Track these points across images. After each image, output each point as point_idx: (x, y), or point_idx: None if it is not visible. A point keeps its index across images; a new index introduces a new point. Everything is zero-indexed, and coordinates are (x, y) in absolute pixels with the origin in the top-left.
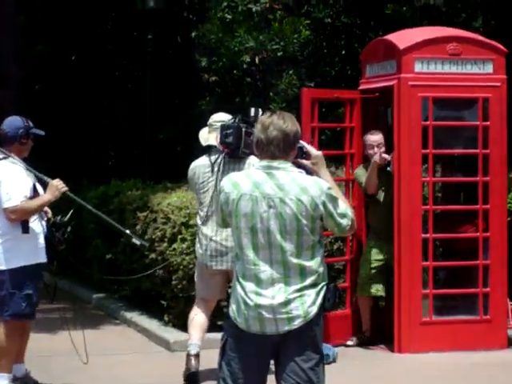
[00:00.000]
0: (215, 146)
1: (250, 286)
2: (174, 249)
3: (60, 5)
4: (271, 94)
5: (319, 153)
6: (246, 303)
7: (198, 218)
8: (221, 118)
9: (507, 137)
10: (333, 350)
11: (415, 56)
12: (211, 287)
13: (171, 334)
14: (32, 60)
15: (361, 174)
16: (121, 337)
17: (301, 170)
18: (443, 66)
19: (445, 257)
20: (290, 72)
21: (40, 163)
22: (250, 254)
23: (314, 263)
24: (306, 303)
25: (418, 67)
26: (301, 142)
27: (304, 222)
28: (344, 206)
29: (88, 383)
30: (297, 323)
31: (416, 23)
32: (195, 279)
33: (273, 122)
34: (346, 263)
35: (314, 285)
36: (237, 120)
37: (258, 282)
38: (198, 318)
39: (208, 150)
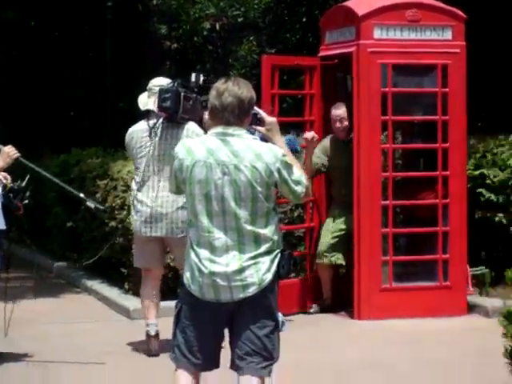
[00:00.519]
0: (154, 111)
1: (204, 253)
2: None
3: None
4: (230, 60)
5: (273, 119)
6: (200, 270)
7: (133, 183)
8: (160, 82)
9: (466, 103)
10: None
11: (374, 22)
12: (148, 255)
13: (131, 302)
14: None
15: (316, 150)
16: (81, 305)
17: (255, 137)
18: (402, 33)
19: (405, 224)
20: (251, 38)
21: None
22: (204, 220)
23: (269, 230)
24: (261, 270)
25: (377, 34)
26: (255, 108)
27: (259, 188)
28: (298, 173)
29: (47, 352)
30: (251, 290)
31: None
32: (134, 248)
33: (228, 89)
34: (306, 231)
35: (268, 252)
36: (175, 84)
37: (213, 249)
38: (146, 294)
39: (147, 114)
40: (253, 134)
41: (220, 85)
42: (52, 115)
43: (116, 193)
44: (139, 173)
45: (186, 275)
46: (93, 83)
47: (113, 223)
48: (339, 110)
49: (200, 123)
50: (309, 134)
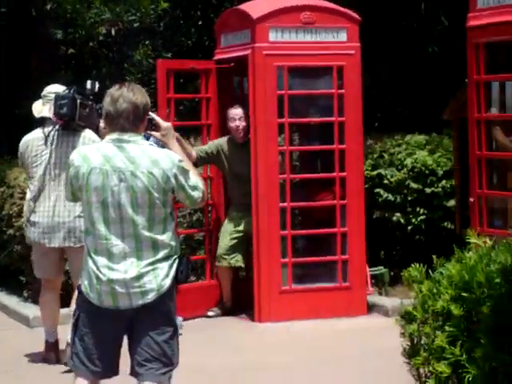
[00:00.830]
0: (49, 118)
1: (102, 260)
2: None
3: None
4: (126, 65)
5: (168, 124)
6: (98, 278)
7: (27, 193)
8: (55, 89)
9: (362, 104)
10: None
11: (269, 25)
12: (47, 265)
13: (30, 310)
14: None
15: (210, 142)
16: None
17: (151, 143)
18: (297, 35)
19: (304, 225)
20: (147, 43)
21: None
22: (102, 228)
23: (166, 236)
24: (159, 276)
25: (272, 36)
26: (150, 114)
27: (156, 194)
28: (195, 179)
29: None
30: (150, 297)
31: None
32: (32, 260)
33: (122, 95)
34: (206, 234)
35: (166, 258)
36: (72, 91)
37: (110, 256)
38: (46, 303)
39: (42, 122)
40: (148, 139)
41: (114, 91)
42: None
43: (13, 200)
44: (34, 182)
45: (84, 283)
46: None
47: (10, 231)
48: (237, 110)
49: (96, 131)
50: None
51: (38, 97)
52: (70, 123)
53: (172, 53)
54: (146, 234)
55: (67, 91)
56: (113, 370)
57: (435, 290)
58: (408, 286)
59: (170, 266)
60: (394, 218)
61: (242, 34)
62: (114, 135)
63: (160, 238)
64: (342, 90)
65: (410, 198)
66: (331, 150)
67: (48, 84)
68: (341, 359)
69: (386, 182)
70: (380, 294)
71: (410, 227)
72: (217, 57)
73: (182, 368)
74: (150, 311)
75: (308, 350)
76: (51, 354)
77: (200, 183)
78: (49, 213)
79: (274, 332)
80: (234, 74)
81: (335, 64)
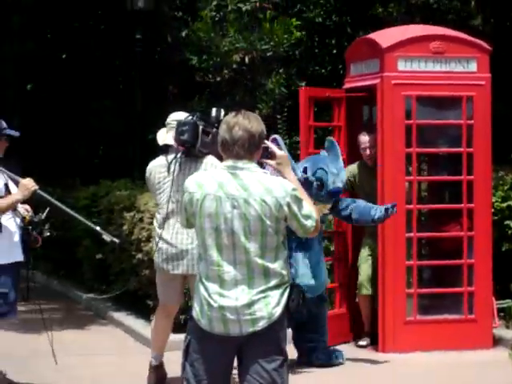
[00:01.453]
0: (172, 146)
1: (213, 287)
2: None
3: (51, 3)
4: (258, 93)
5: (283, 153)
6: (209, 304)
7: (155, 220)
8: (178, 116)
9: (491, 135)
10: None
11: (398, 54)
12: (170, 292)
13: None
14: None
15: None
16: (107, 337)
17: (265, 171)
18: (426, 65)
19: (430, 256)
20: (280, 71)
21: (30, 163)
22: (214, 254)
23: (278, 264)
24: (270, 304)
25: (401, 66)
26: (265, 141)
27: (268, 222)
28: (308, 208)
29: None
30: (261, 324)
31: (406, 22)
32: (157, 284)
33: (238, 122)
34: (334, 263)
35: (277, 286)
36: (194, 117)
37: (222, 283)
38: (160, 329)
39: (166, 150)
40: (263, 167)
41: (230, 118)
42: (80, 147)
43: (142, 225)
44: (161, 209)
45: (196, 309)
46: (122, 115)
47: (139, 255)
48: (367, 137)
49: (220, 158)
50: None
51: None
52: (191, 150)
53: (306, 82)
54: (259, 261)
55: (190, 118)
56: None
57: None
58: None
59: (282, 295)
60: None
61: (371, 62)
62: (229, 162)
63: (272, 266)
64: (471, 121)
65: None
66: (459, 180)
67: (183, 110)
68: None
69: None
70: (507, 327)
71: None
72: (346, 85)
73: None
74: (260, 339)
75: (433, 382)
76: (152, 376)
77: (313, 212)
78: (172, 240)
79: (398, 363)
80: (363, 102)
81: (465, 94)
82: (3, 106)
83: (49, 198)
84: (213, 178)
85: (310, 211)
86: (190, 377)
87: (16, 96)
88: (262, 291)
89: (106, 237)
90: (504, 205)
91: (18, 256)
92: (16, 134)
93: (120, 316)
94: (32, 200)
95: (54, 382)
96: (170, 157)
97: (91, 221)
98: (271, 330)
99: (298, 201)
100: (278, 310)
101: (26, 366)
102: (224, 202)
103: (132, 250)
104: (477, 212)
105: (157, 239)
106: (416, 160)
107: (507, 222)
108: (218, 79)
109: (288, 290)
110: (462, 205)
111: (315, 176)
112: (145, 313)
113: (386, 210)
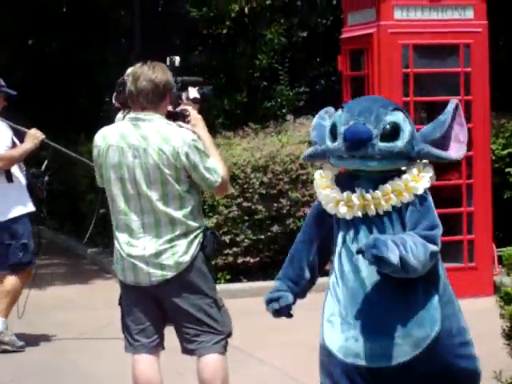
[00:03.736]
0: None
1: (122, 237)
2: None
3: None
4: (258, 44)
5: (198, 116)
6: (121, 255)
7: None
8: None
9: (492, 83)
10: None
11: (394, 3)
12: None
13: None
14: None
15: None
16: (110, 291)
17: (169, 122)
18: (423, 13)
19: None
20: (281, 22)
21: (33, 118)
22: (121, 204)
23: (183, 213)
24: (178, 253)
25: (397, 14)
26: (185, 107)
27: (166, 171)
28: (214, 163)
29: (74, 336)
30: (169, 274)
31: None
32: None
33: (143, 73)
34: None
35: (184, 234)
36: None
37: (130, 232)
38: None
39: None
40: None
41: (136, 69)
42: (86, 101)
43: None
44: None
45: (114, 261)
46: (124, 67)
47: None
48: None
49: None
50: None
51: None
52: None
53: (308, 32)
54: (162, 209)
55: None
56: (159, 344)
57: None
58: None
59: (191, 243)
60: None
61: (367, 12)
62: (132, 114)
63: (176, 214)
64: (469, 69)
65: None
66: None
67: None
68: None
69: None
70: (508, 274)
71: None
72: (344, 35)
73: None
74: (172, 287)
75: None
76: None
77: (220, 169)
78: None
79: None
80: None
81: (462, 42)
82: (6, 60)
83: (55, 145)
84: (116, 130)
85: (215, 167)
86: (125, 331)
87: (18, 50)
88: (169, 240)
89: None
90: (505, 152)
91: (31, 206)
92: (13, 92)
93: None
94: (40, 148)
95: (63, 336)
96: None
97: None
98: (182, 277)
99: (199, 152)
100: (186, 258)
101: (31, 319)
102: (126, 153)
103: None
104: (476, 160)
105: None
106: (414, 109)
107: (508, 170)
108: (222, 31)
109: (199, 238)
110: None
111: None
112: None
113: None
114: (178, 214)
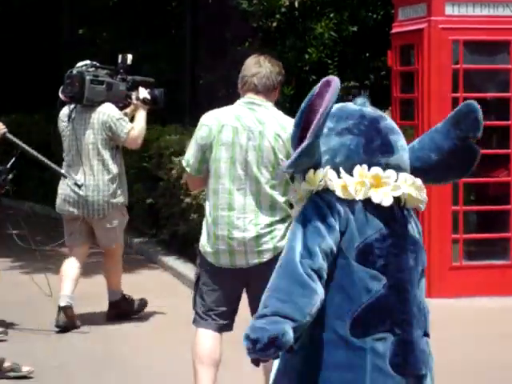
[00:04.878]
0: None
1: (222, 217)
2: None
3: None
4: (307, 38)
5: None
6: (216, 236)
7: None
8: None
9: None
10: None
11: None
12: (76, 234)
13: None
14: None
15: None
16: (156, 281)
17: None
18: (474, 9)
19: (477, 202)
20: (331, 16)
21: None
22: (227, 183)
23: (285, 200)
24: (276, 238)
25: (448, 10)
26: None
27: (280, 156)
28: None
29: (120, 326)
30: (266, 256)
31: None
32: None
33: (259, 62)
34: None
35: (283, 219)
36: (84, 68)
37: (232, 212)
38: (69, 268)
39: None
40: None
41: (251, 59)
42: None
43: None
44: (66, 156)
45: (202, 243)
46: (174, 60)
47: (188, 199)
48: None
49: (117, 103)
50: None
51: (224, 68)
52: (79, 101)
53: (358, 26)
54: (268, 191)
55: (78, 69)
56: (228, 326)
57: None
58: None
59: (287, 228)
60: None
61: (418, 7)
62: (246, 98)
63: (280, 199)
64: None
65: None
66: (506, 125)
67: (234, 56)
68: (493, 336)
69: None
70: None
71: None
72: (394, 30)
73: None
74: (265, 269)
75: (466, 327)
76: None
77: None
78: (78, 183)
79: (444, 308)
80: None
81: None
82: None
83: (17, 141)
84: (230, 112)
85: None
86: (198, 308)
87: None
88: (269, 225)
89: (69, 180)
90: None
91: None
92: None
93: (169, 260)
94: (2, 143)
95: (101, 324)
96: (72, 106)
97: (142, 165)
98: (276, 262)
99: None
100: (283, 243)
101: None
102: (240, 133)
103: (181, 194)
104: None
105: (61, 182)
106: None
107: None
108: (272, 24)
109: None
110: (510, 150)
111: None
112: (193, 257)
113: None
114: (281, 199)
